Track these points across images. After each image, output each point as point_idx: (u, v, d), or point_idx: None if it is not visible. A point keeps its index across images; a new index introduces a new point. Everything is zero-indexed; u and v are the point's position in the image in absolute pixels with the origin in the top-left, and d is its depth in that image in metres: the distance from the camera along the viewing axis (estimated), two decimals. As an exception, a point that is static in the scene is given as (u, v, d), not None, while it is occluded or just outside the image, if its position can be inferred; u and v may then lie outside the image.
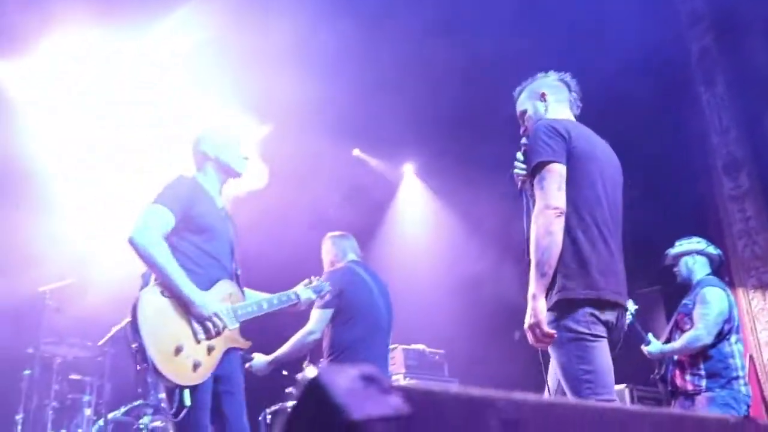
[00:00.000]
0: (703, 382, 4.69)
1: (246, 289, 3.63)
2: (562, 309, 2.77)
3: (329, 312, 4.48)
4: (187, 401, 3.03)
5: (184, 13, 6.68)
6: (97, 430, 5.85)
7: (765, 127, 6.81)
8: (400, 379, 5.97)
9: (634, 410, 0.97)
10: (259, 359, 4.65)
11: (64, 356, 6.17)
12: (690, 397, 4.76)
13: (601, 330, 2.78)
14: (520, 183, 3.12)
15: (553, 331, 2.72)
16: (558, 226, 2.78)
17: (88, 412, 6.04)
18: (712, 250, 5.14)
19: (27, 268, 6.02)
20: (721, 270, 5.31)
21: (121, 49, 6.87)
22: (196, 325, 3.13)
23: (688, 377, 4.80)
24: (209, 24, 6.64)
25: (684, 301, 5.02)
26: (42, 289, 6.04)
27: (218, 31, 6.66)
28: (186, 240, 3.30)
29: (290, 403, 4.69)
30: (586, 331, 2.73)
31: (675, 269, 5.19)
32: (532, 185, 2.92)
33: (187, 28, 6.74)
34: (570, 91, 3.35)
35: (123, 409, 5.92)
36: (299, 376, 4.89)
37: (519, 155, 3.12)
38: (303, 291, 3.79)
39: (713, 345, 4.73)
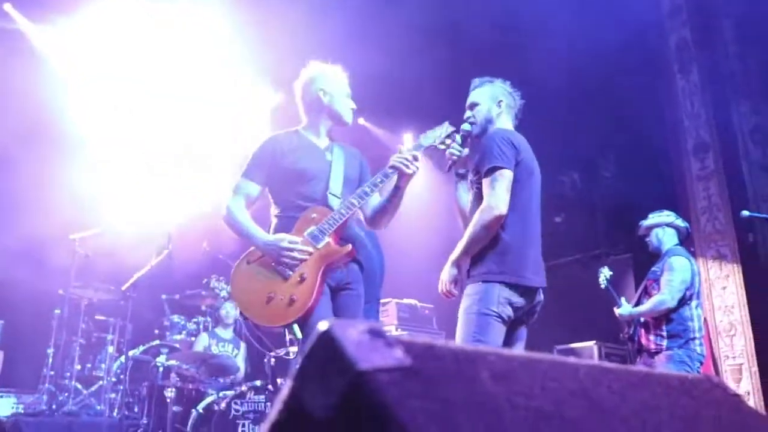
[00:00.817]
0: (664, 342, 4.78)
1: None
2: (483, 289, 3.03)
3: None
4: (298, 334, 2.96)
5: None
6: (118, 366, 5.92)
7: (731, 114, 6.79)
8: (392, 330, 6.02)
9: (610, 367, 0.98)
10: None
11: (91, 298, 6.22)
12: (652, 354, 4.84)
13: (508, 311, 3.03)
14: (450, 162, 3.38)
15: (454, 291, 3.16)
16: (494, 226, 3.05)
17: (111, 349, 6.11)
18: (680, 222, 5.22)
19: (59, 217, 6.02)
20: (687, 241, 5.35)
21: (151, 18, 6.80)
22: (279, 268, 3.02)
23: (651, 337, 4.87)
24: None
25: (653, 269, 5.09)
26: (72, 237, 6.06)
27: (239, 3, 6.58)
28: (288, 189, 3.20)
29: (293, 349, 4.72)
30: (495, 311, 2.99)
31: (647, 239, 5.26)
32: (477, 175, 3.19)
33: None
34: (516, 104, 3.54)
35: (142, 348, 5.99)
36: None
37: (458, 138, 3.36)
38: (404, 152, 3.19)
39: (675, 309, 4.80)
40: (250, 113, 7.64)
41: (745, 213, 4.90)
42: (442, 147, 3.30)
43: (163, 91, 7.17)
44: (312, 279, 2.97)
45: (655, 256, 5.20)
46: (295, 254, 2.99)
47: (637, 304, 5.08)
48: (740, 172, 6.65)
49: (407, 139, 8.86)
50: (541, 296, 3.23)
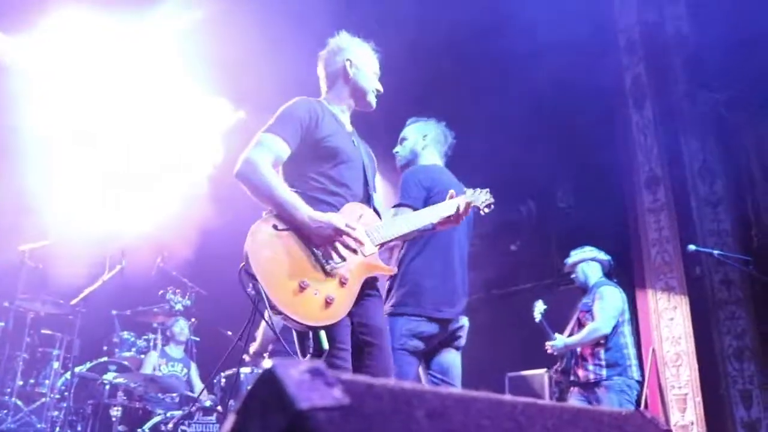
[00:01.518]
0: (604, 371, 4.92)
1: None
2: (389, 323, 3.11)
3: None
4: (325, 344, 2.39)
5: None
6: (63, 382, 5.79)
7: (681, 150, 7.02)
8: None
9: (545, 404, 1.02)
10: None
11: (38, 312, 6.08)
12: (591, 386, 4.97)
13: (414, 343, 3.18)
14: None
15: None
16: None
17: (56, 365, 5.97)
18: (603, 256, 5.46)
19: (7, 228, 5.90)
20: (611, 272, 5.58)
21: (106, 32, 6.75)
22: (319, 254, 2.47)
23: (590, 368, 5.01)
24: (197, 12, 6.55)
25: (584, 301, 5.29)
26: (22, 249, 5.93)
27: (206, 18, 6.57)
28: (313, 167, 2.70)
29: (244, 369, 4.70)
30: (399, 344, 3.13)
31: (573, 276, 5.47)
32: None
33: (176, 14, 6.64)
34: (446, 142, 3.79)
35: (89, 365, 5.88)
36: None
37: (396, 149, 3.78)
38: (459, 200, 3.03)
39: (611, 337, 4.96)
40: (207, 130, 7.62)
41: (692, 247, 5.09)
42: (482, 213, 3.20)
43: (118, 104, 7.10)
44: (353, 287, 2.51)
45: (584, 290, 5.40)
46: (351, 242, 2.47)
47: (571, 335, 5.25)
48: (689, 206, 6.86)
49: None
50: (460, 323, 3.36)
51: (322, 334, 2.39)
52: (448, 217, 2.91)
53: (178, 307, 5.87)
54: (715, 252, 5.34)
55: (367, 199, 2.79)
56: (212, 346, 6.68)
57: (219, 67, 6.65)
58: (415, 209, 3.14)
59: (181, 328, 6.43)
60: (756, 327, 6.35)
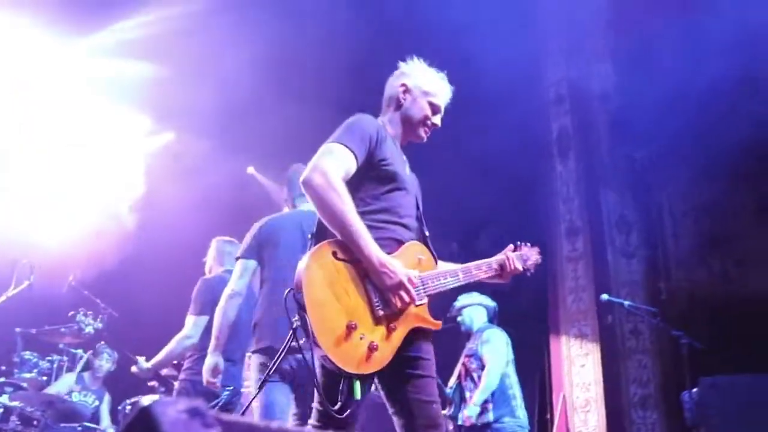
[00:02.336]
0: (491, 415, 4.95)
1: None
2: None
3: (204, 319, 4.35)
4: (358, 394, 2.22)
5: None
6: (-45, 403, 5.46)
7: (600, 202, 7.30)
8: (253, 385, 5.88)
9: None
10: (142, 364, 4.57)
11: (-66, 326, 5.73)
12: (479, 430, 4.97)
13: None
14: None
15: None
16: (230, 307, 3.58)
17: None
18: (489, 302, 5.56)
19: None
20: (494, 319, 5.62)
21: (29, 49, 6.57)
22: (375, 296, 2.26)
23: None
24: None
25: (469, 346, 5.36)
26: None
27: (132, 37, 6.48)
28: (369, 189, 2.48)
29: (147, 398, 4.54)
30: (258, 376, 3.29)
31: (458, 319, 5.53)
32: None
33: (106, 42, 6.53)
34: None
35: (-16, 385, 5.56)
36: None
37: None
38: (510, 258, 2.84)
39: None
40: (127, 147, 7.46)
41: (605, 297, 5.25)
42: (528, 274, 2.97)
43: (35, 118, 6.89)
44: (398, 339, 2.29)
45: (468, 335, 5.48)
46: (406, 298, 2.28)
47: (459, 383, 5.26)
48: (605, 257, 7.11)
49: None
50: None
51: (357, 383, 2.22)
52: (504, 271, 2.78)
53: (89, 329, 5.61)
54: (626, 303, 5.51)
55: (424, 238, 2.60)
56: (122, 372, 6.44)
57: (144, 85, 6.54)
58: (249, 260, 3.55)
59: (101, 363, 6.27)
60: (660, 377, 6.59)
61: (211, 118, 6.86)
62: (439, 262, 2.61)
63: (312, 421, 2.40)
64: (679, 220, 7.14)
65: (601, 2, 7.54)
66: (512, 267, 2.78)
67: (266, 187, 8.45)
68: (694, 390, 4.76)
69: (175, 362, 4.69)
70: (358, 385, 2.21)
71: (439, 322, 2.43)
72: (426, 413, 2.31)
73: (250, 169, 8.39)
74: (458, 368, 5.34)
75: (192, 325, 4.38)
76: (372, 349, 2.18)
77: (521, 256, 2.87)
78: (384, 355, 2.22)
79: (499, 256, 2.79)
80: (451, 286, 2.53)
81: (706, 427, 4.75)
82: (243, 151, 7.87)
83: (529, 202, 7.67)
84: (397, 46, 3.02)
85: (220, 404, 3.90)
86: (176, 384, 4.44)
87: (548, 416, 6.96)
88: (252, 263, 3.60)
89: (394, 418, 2.37)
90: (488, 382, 4.99)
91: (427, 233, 2.62)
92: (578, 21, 7.78)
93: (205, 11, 6.32)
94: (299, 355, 2.89)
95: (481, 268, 2.72)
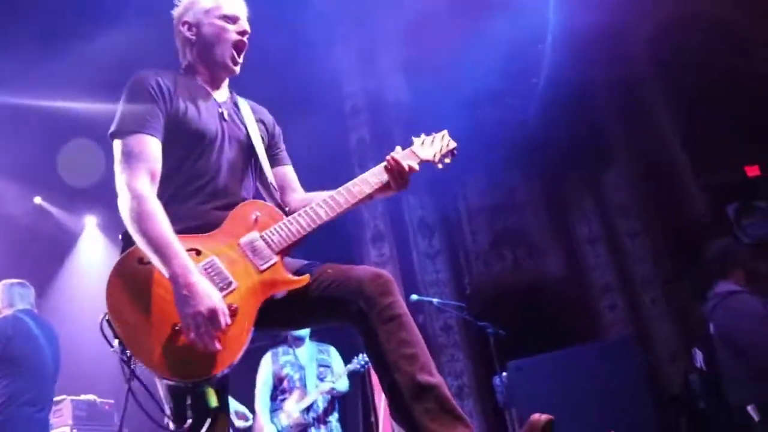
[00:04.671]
0: None
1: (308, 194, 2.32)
2: None
3: None
4: (212, 401, 1.82)
5: None
6: None
7: (402, 207, 7.63)
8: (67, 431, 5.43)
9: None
10: None
11: None
12: None
13: None
14: None
15: None
16: None
17: None
18: None
19: None
20: None
21: None
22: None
23: None
24: None
25: None
26: None
27: None
28: (168, 161, 2.08)
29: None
30: None
31: None
32: None
33: None
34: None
35: None
36: None
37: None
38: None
39: None
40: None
41: (414, 297, 5.46)
42: (440, 167, 2.44)
43: None
44: (247, 318, 1.89)
45: None
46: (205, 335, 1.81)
47: None
48: (411, 259, 7.44)
49: (89, 221, 8.30)
50: None
51: (210, 390, 1.83)
52: (391, 179, 2.23)
53: None
54: (435, 300, 5.79)
55: (254, 185, 2.28)
56: None
57: None
58: None
59: None
60: (472, 367, 7.02)
61: None
62: (309, 194, 2.31)
63: None
64: (475, 218, 7.66)
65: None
66: (400, 167, 2.21)
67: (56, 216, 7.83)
68: (504, 374, 5.13)
69: None
70: (210, 392, 1.83)
71: (306, 277, 2.01)
72: (358, 285, 1.95)
73: (37, 200, 7.73)
74: None
75: None
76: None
77: (416, 152, 2.34)
78: (235, 347, 1.83)
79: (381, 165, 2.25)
80: (315, 225, 2.11)
81: (516, 406, 5.14)
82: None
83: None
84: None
85: None
86: None
87: (372, 419, 7.10)
88: None
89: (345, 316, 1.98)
90: None
91: (273, 184, 2.28)
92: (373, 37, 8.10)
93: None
94: None
95: (362, 185, 2.21)
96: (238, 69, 2.28)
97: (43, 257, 7.49)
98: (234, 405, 4.91)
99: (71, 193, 7.54)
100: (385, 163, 2.23)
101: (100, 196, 7.68)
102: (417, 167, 2.25)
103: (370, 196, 2.25)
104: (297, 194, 2.40)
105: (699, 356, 4.57)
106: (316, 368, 5.08)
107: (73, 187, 7.32)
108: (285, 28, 6.43)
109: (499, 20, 6.59)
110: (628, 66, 7.95)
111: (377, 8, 8.02)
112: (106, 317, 1.84)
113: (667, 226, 7.16)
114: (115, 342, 1.83)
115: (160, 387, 1.97)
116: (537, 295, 6.72)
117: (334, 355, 5.30)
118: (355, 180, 2.22)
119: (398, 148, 2.32)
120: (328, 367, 5.17)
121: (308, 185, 2.49)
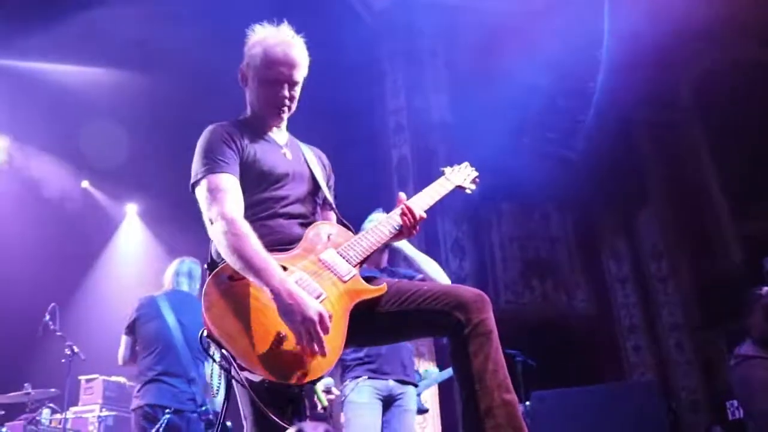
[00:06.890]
0: None
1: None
2: None
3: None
4: (323, 400, 2.03)
5: None
6: None
7: (437, 228, 7.72)
8: (96, 410, 5.57)
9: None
10: None
11: None
12: None
13: None
14: None
15: None
16: None
17: None
18: None
19: None
20: None
21: None
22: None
23: None
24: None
25: None
26: None
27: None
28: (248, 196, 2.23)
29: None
30: None
31: None
32: None
33: None
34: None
35: None
36: None
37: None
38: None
39: None
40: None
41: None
42: (468, 192, 2.66)
43: None
44: (341, 321, 2.04)
45: None
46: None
47: None
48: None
49: (130, 209, 8.48)
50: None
51: (318, 388, 2.01)
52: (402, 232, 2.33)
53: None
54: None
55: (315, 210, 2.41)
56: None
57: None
58: None
59: None
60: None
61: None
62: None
63: None
64: (507, 246, 7.74)
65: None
66: (410, 218, 2.31)
67: (101, 202, 8.02)
68: (527, 403, 5.17)
69: None
70: (320, 390, 2.03)
71: (384, 286, 2.13)
72: (435, 302, 2.08)
73: (85, 183, 7.93)
74: None
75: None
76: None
77: (449, 178, 2.61)
78: (334, 346, 1.95)
79: (395, 212, 2.33)
80: (382, 242, 2.24)
81: (536, 436, 5.17)
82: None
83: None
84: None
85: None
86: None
87: None
88: None
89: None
90: None
91: (332, 203, 2.42)
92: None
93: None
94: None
95: (385, 227, 2.30)
96: (285, 116, 2.40)
97: (87, 240, 7.64)
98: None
99: (115, 179, 7.75)
100: (398, 210, 2.32)
101: (142, 185, 7.91)
102: (425, 215, 2.36)
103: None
104: None
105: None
106: None
107: (116, 174, 7.53)
108: (335, 44, 6.61)
109: (551, 53, 6.69)
110: (672, 110, 8.03)
111: (427, 27, 8.19)
112: (205, 332, 1.93)
113: (699, 273, 7.17)
114: (216, 354, 1.93)
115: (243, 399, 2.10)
116: (563, 328, 6.76)
117: None
118: (376, 224, 2.33)
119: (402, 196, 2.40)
120: None
121: (349, 199, 2.61)
